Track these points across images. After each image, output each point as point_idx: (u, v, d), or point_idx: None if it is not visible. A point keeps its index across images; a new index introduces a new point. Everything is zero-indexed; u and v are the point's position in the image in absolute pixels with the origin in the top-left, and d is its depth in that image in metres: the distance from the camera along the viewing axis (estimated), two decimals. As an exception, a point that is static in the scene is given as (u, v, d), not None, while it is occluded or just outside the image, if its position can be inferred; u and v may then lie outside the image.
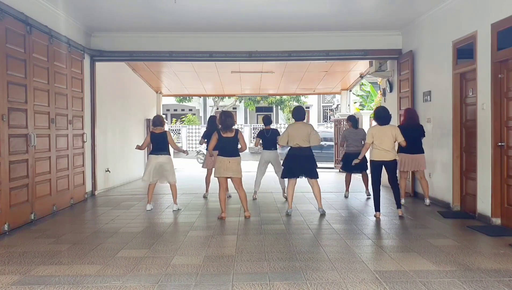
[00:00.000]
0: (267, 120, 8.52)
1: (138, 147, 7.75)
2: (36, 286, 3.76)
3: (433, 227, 5.99)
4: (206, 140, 8.51)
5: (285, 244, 5.11)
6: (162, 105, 16.50)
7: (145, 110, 13.82)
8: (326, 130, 22.28)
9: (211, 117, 8.87)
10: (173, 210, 7.34)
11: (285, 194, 8.20)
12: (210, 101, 31.76)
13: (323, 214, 6.79)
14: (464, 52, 6.81)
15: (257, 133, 8.52)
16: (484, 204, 6.18)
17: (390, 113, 6.77)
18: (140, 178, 8.81)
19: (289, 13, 7.88)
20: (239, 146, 6.64)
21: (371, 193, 7.00)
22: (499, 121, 5.90)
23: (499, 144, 5.87)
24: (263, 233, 5.69)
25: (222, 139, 6.51)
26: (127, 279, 3.92)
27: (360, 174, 8.82)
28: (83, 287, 3.73)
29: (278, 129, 11.01)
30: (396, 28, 9.19)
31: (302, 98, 28.67)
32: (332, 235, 5.63)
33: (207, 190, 8.85)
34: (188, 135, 28.33)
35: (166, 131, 7.48)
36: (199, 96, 27.15)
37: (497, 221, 5.94)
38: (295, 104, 28.65)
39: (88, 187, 8.88)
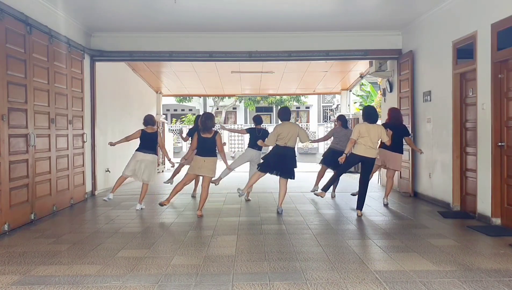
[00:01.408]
0: (259, 120, 8.64)
1: (112, 144, 7.53)
2: (36, 286, 3.76)
3: (433, 227, 5.99)
4: (190, 137, 8.57)
5: (285, 244, 5.11)
6: (162, 105, 16.48)
7: (145, 110, 13.75)
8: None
9: (197, 116, 8.92)
10: (136, 209, 7.37)
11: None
12: (210, 101, 31.72)
13: (280, 213, 6.95)
14: (464, 52, 6.81)
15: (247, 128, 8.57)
16: (484, 204, 6.18)
17: (378, 112, 6.85)
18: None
19: (289, 13, 7.88)
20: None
21: (322, 189, 7.15)
22: (499, 121, 5.90)
23: (499, 144, 5.87)
24: (263, 233, 5.70)
25: (200, 139, 6.70)
26: (127, 279, 3.92)
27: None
28: (83, 287, 3.73)
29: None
30: (396, 28, 9.19)
31: (302, 98, 28.59)
32: (332, 235, 5.63)
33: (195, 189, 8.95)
34: (188, 135, 28.32)
35: (157, 131, 7.55)
36: (199, 96, 27.10)
37: (497, 221, 5.94)
38: (295, 104, 28.62)
39: (88, 187, 8.88)
